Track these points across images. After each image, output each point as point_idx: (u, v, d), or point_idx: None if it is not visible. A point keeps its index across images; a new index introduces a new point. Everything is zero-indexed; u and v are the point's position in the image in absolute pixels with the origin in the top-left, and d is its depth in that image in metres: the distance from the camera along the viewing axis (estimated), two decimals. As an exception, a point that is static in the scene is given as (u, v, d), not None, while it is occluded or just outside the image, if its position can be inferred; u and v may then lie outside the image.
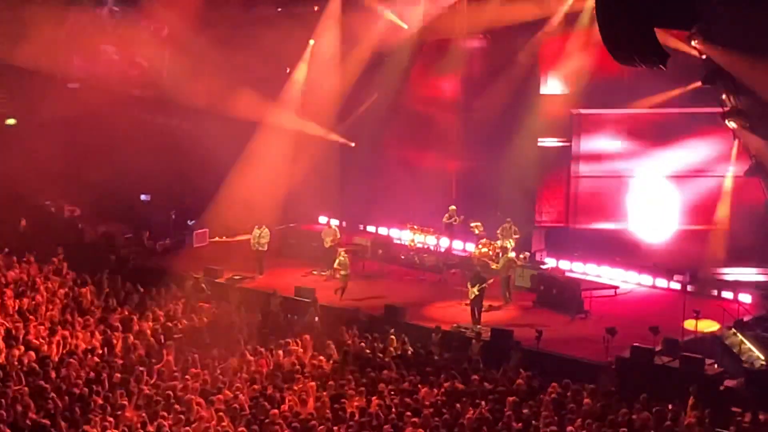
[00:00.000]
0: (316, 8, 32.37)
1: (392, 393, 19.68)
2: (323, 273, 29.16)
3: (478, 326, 24.69)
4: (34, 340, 21.64)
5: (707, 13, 19.96)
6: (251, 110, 31.40)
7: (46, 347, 21.41)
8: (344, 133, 33.57)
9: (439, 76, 32.50)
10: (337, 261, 27.72)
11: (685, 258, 28.74)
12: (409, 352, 22.64)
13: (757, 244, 28.02)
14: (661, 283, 28.17)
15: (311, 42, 32.63)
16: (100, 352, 21.46)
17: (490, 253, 28.43)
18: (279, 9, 32.95)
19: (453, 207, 30.59)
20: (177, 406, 18.22)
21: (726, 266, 28.16)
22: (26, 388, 18.66)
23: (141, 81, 33.71)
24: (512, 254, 27.61)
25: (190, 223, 32.64)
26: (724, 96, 24.45)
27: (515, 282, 27.62)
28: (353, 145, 33.44)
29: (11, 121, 33.68)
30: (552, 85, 30.59)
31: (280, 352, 21.81)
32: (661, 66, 18.86)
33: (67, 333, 22.25)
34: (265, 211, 30.08)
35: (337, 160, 34.04)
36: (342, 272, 27.37)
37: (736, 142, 27.60)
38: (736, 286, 26.88)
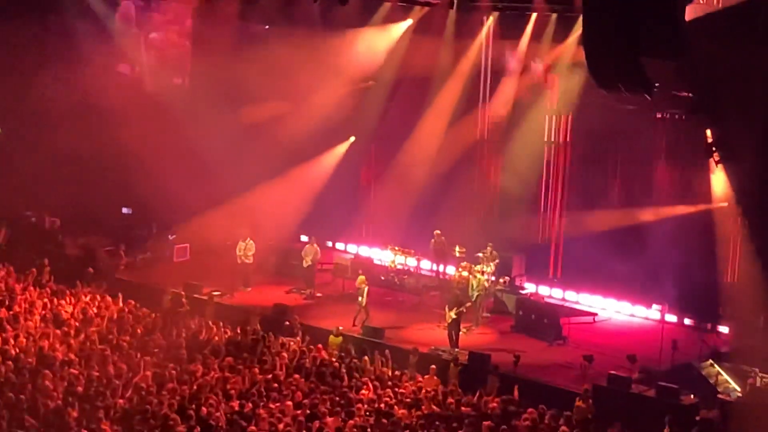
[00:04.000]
0: None
1: (368, 414, 19.67)
2: (303, 292, 29.17)
3: (456, 349, 24.71)
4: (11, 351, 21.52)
5: (694, 45, 20.07)
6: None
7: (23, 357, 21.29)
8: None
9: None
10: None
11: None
12: (388, 373, 22.63)
13: None
14: (640, 311, 28.25)
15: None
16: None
17: (470, 276, 28.38)
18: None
19: (438, 231, 30.49)
20: (152, 421, 18.14)
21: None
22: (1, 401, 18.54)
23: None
24: (486, 277, 27.47)
25: (170, 237, 32.49)
26: (708, 129, 24.56)
27: (485, 307, 27.62)
28: None
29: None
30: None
31: (256, 369, 21.78)
32: (646, 95, 18.93)
33: (45, 344, 22.12)
34: (244, 226, 30.07)
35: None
36: (359, 298, 26.77)
37: (715, 175, 27.54)
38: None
